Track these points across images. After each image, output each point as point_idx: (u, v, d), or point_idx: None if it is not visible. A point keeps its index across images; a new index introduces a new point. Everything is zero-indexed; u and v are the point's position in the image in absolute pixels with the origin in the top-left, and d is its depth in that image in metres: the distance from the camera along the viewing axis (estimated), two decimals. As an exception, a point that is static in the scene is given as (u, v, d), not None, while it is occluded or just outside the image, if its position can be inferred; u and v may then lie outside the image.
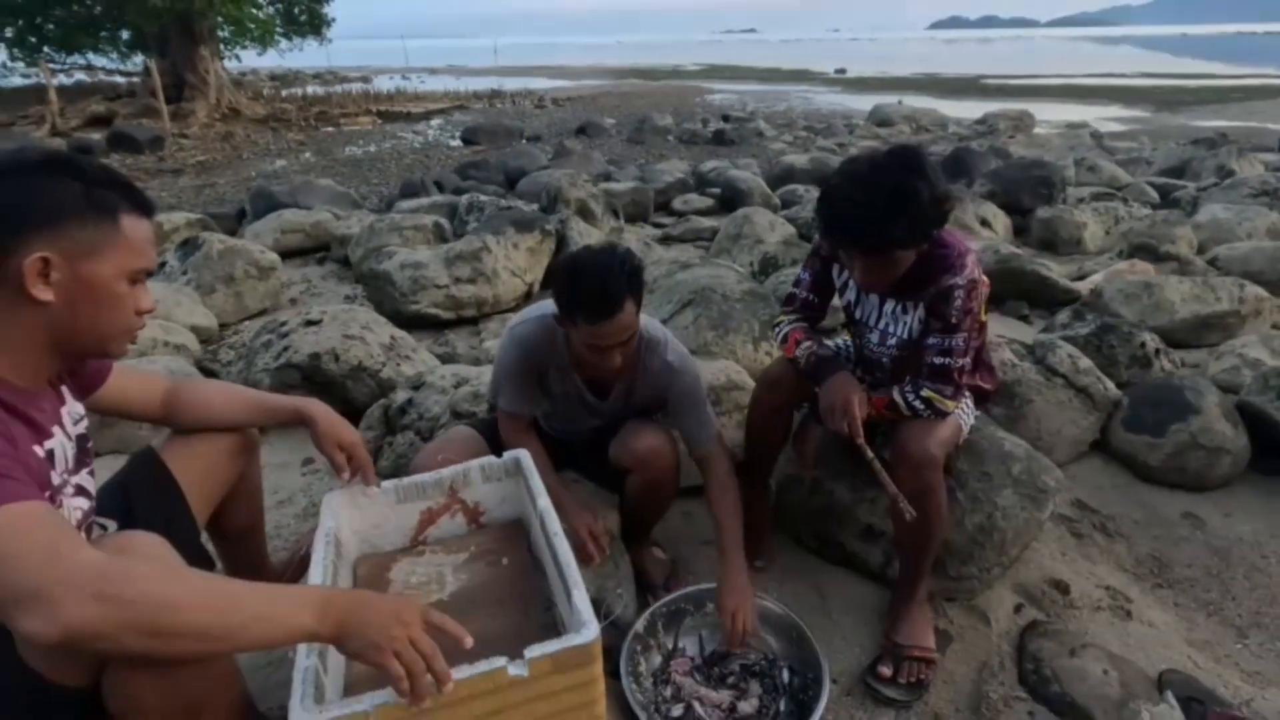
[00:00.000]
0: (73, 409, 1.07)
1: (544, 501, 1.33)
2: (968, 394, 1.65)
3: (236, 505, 1.40)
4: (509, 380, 1.62)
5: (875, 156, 1.40)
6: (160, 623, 0.77)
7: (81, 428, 1.07)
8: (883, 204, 1.32)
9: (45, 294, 0.90)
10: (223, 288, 3.71)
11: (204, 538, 1.40)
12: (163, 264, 3.90)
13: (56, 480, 0.98)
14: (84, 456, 1.07)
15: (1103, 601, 1.80)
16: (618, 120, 15.04)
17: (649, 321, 1.60)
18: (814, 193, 6.12)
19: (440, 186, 6.98)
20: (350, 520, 1.40)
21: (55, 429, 1.00)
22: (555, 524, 1.25)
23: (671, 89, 25.73)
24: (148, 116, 14.08)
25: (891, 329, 1.59)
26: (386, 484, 1.42)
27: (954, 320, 1.46)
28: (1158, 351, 2.72)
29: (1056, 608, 1.76)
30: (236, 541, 1.47)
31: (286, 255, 4.69)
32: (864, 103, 18.26)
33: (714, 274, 2.97)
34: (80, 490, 1.04)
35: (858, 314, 1.65)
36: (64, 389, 1.06)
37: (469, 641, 0.92)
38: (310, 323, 2.61)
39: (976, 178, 5.52)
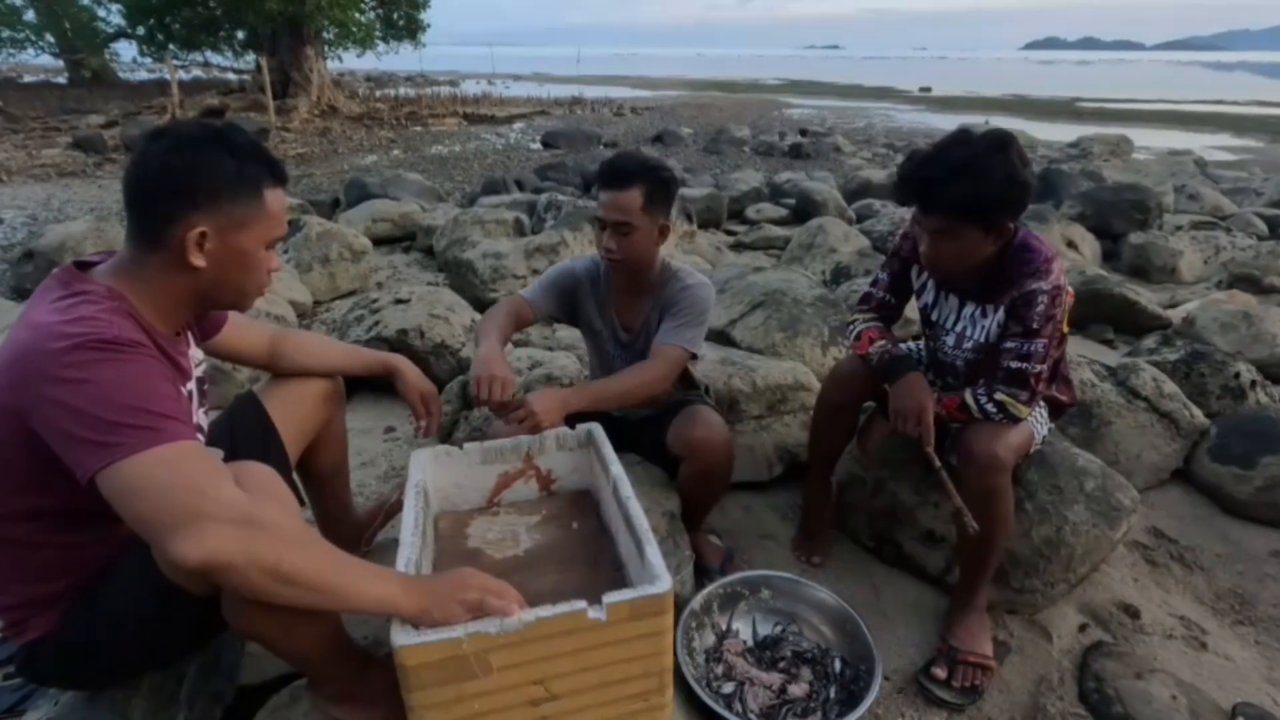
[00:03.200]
0: (194, 353, 1.20)
1: (616, 469, 1.39)
2: (1042, 404, 1.64)
3: (324, 448, 1.53)
4: (543, 281, 1.78)
5: (968, 129, 1.41)
6: (283, 567, 0.87)
7: (200, 371, 1.21)
8: (951, 164, 1.33)
9: (200, 261, 1.01)
10: (319, 267, 3.97)
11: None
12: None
13: (195, 419, 1.11)
14: (203, 398, 1.20)
15: (1175, 630, 1.74)
16: (695, 130, 15.13)
17: (687, 266, 1.73)
18: (891, 209, 6.04)
19: (520, 185, 7.22)
20: (434, 477, 1.51)
21: (192, 371, 1.13)
22: (628, 488, 1.32)
23: (750, 101, 25.70)
24: (255, 110, 15.06)
25: (969, 332, 1.59)
26: (470, 446, 1.52)
27: (1035, 325, 1.45)
28: (1254, 384, 2.59)
29: (1124, 631, 1.71)
30: (323, 481, 1.60)
31: (375, 242, 4.96)
32: (948, 122, 17.77)
33: (786, 278, 3.00)
34: (199, 428, 1.17)
35: (935, 315, 1.66)
36: (189, 334, 1.20)
37: (514, 610, 0.99)
38: (400, 301, 2.77)
39: (1065, 199, 5.33)
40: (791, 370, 2.34)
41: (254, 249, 1.06)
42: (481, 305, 3.45)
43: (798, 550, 1.94)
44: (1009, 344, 1.49)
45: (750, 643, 1.60)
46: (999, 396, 1.49)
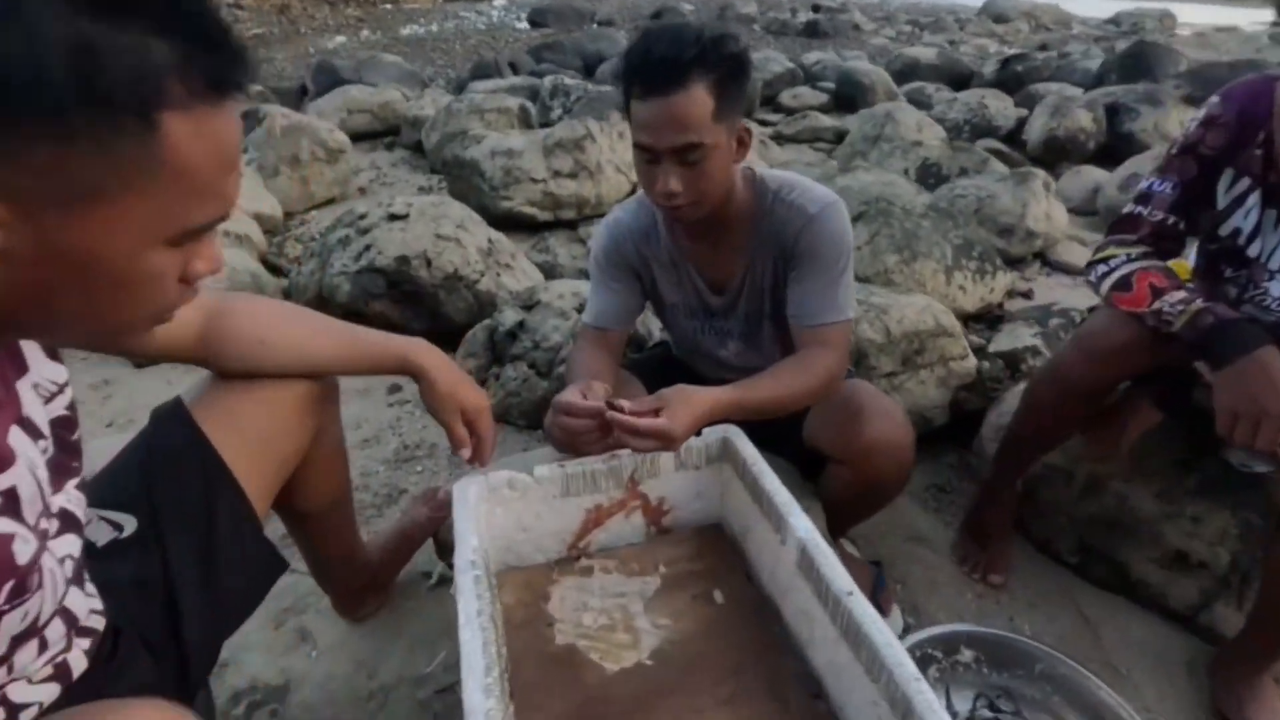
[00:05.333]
0: (43, 376, 0.60)
1: (800, 522, 0.84)
2: None
3: (312, 477, 0.95)
4: (595, 278, 1.24)
5: None
6: None
7: (61, 406, 0.61)
8: None
9: None
10: (287, 170, 3.24)
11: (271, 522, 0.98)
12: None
13: (21, 527, 0.52)
14: (67, 458, 0.60)
15: None
16: (695, 7, 13.66)
17: (787, 175, 1.14)
18: (945, 93, 5.24)
19: (514, 68, 6.28)
20: (489, 519, 0.95)
21: (12, 435, 0.53)
22: (823, 547, 0.77)
23: (751, -25, 23.41)
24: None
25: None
26: (543, 471, 0.96)
27: None
28: None
29: None
30: (314, 522, 1.04)
31: (353, 138, 4.17)
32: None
33: (885, 181, 2.35)
34: (66, 521, 0.59)
35: (1254, 248, 1.07)
36: (24, 348, 0.59)
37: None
38: (395, 217, 2.12)
39: (1162, 79, 4.57)
40: (928, 310, 1.77)
41: (142, 245, 0.47)
42: (493, 218, 2.78)
43: (966, 562, 1.44)
44: None
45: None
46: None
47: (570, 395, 0.93)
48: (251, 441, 0.83)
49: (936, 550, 1.50)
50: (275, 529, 1.00)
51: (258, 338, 0.83)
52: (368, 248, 2.05)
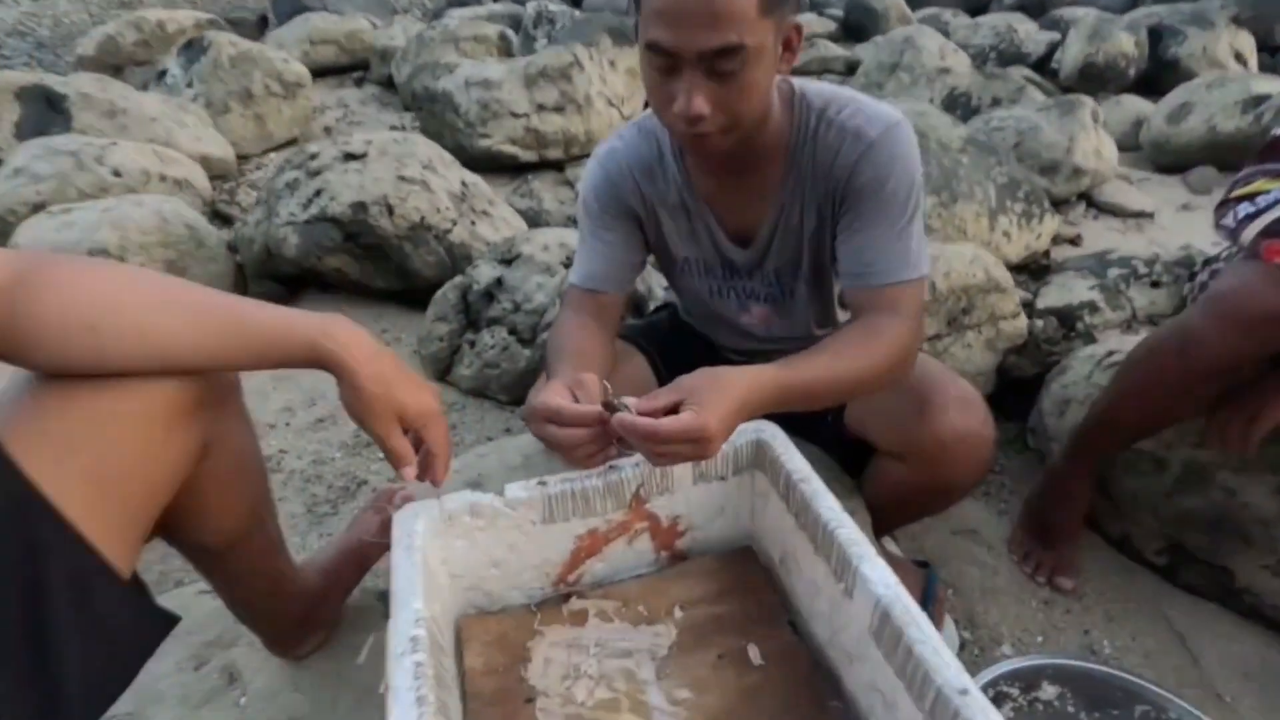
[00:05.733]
0: None
1: (874, 572, 0.60)
2: None
3: (206, 506, 0.69)
4: (584, 228, 0.97)
5: None
6: None
7: None
8: None
9: None
10: (239, 107, 2.89)
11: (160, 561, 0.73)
12: (162, 73, 3.07)
13: None
14: None
15: None
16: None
17: (835, 90, 0.87)
18: (963, 18, 4.83)
19: (495, -5, 5.79)
20: (446, 555, 0.71)
21: None
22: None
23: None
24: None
25: None
26: (516, 490, 0.71)
27: None
28: None
29: None
30: (219, 557, 0.79)
31: (318, 73, 3.79)
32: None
33: (917, 111, 2.05)
34: None
35: None
36: None
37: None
38: (351, 156, 1.82)
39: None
40: (977, 261, 1.50)
41: None
42: (470, 158, 2.47)
43: (1028, 561, 1.22)
44: None
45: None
46: None
47: (552, 396, 0.68)
48: (94, 471, 0.58)
49: (991, 547, 1.28)
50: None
51: (85, 322, 0.56)
52: (319, 193, 1.75)
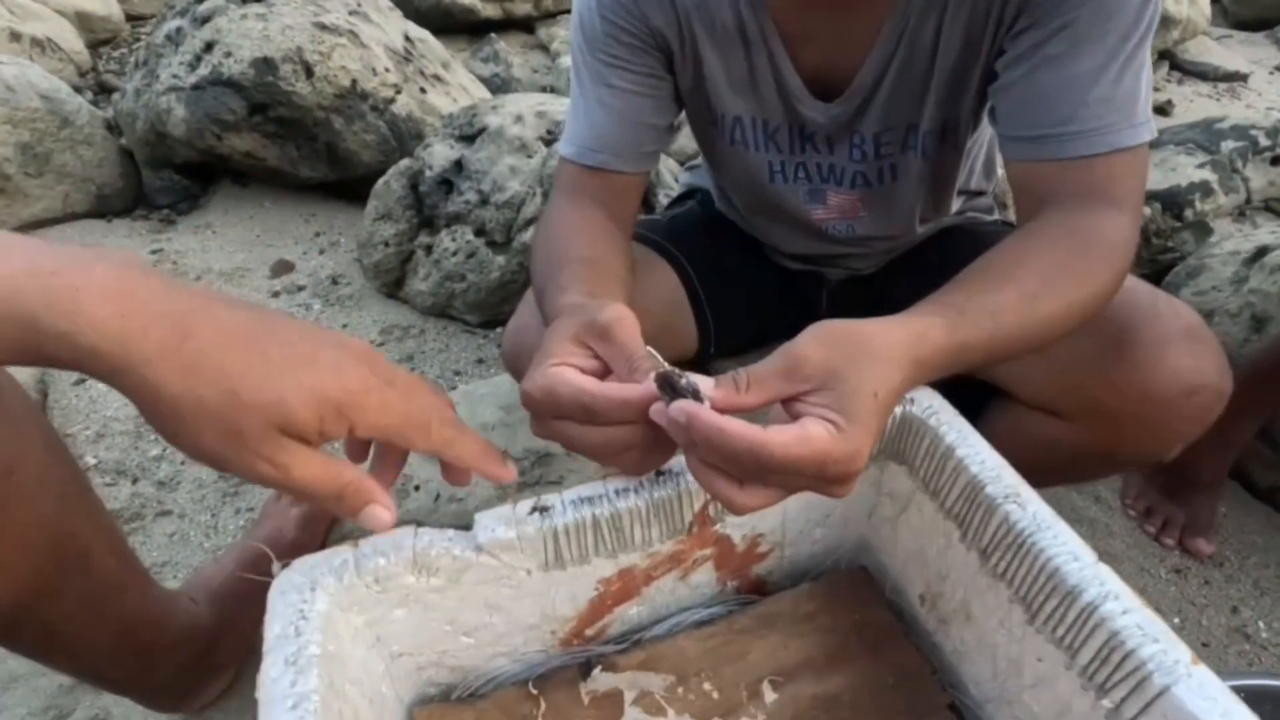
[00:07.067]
0: None
1: (1053, 527, 0.31)
2: None
3: None
4: (582, 72, 0.62)
5: None
6: None
7: None
8: None
9: None
10: (121, -49, 2.31)
11: None
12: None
13: None
14: None
15: None
16: None
17: None
18: None
19: None
20: (378, 631, 0.40)
21: None
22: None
23: None
24: None
25: None
26: (493, 527, 0.40)
27: None
28: None
29: None
30: (22, 613, 0.47)
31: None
32: None
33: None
34: None
35: None
36: None
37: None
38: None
39: None
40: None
41: None
42: (415, 12, 1.98)
43: (1151, 518, 0.97)
44: None
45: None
46: None
47: (566, 374, 0.36)
48: None
49: (1099, 498, 1.01)
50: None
51: None
52: (209, 46, 1.31)
